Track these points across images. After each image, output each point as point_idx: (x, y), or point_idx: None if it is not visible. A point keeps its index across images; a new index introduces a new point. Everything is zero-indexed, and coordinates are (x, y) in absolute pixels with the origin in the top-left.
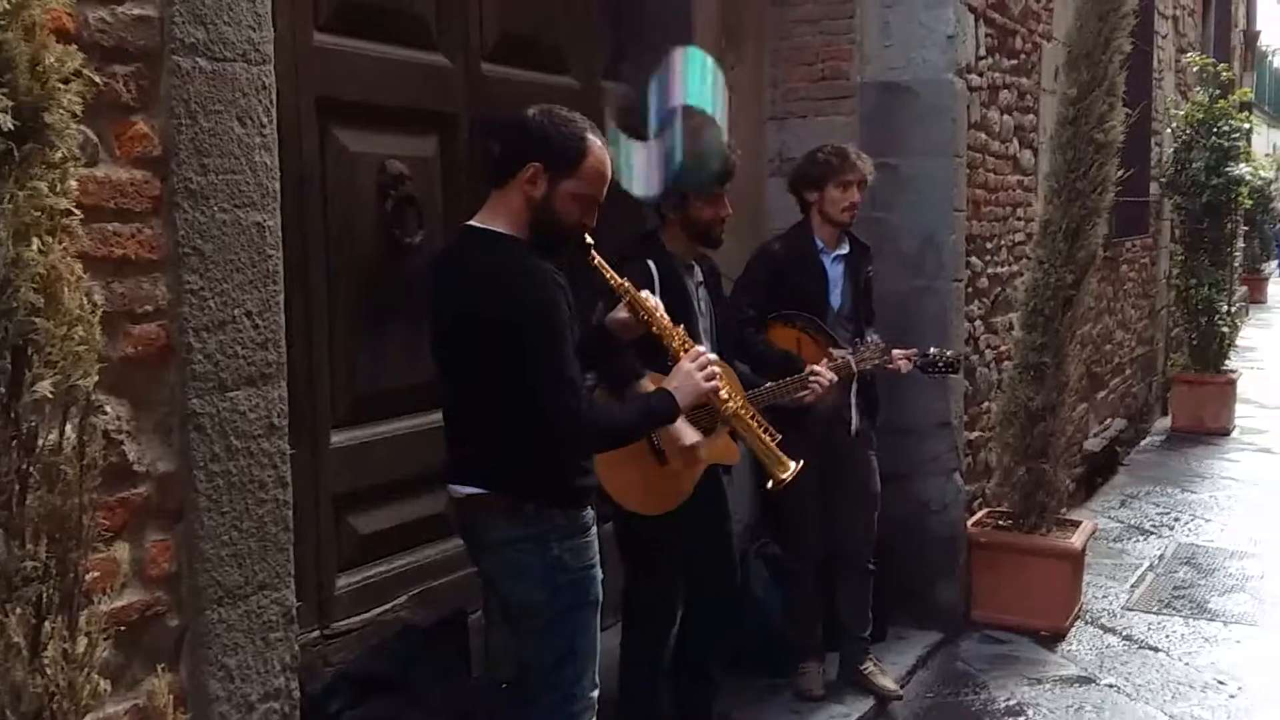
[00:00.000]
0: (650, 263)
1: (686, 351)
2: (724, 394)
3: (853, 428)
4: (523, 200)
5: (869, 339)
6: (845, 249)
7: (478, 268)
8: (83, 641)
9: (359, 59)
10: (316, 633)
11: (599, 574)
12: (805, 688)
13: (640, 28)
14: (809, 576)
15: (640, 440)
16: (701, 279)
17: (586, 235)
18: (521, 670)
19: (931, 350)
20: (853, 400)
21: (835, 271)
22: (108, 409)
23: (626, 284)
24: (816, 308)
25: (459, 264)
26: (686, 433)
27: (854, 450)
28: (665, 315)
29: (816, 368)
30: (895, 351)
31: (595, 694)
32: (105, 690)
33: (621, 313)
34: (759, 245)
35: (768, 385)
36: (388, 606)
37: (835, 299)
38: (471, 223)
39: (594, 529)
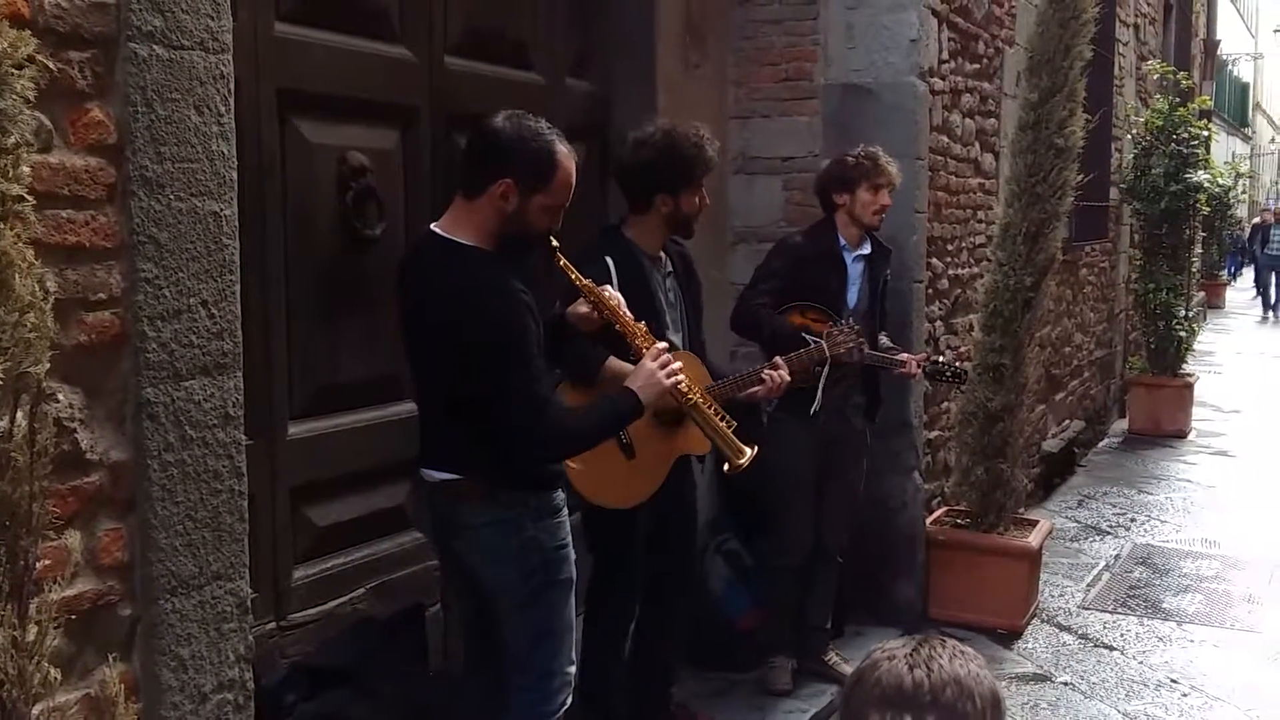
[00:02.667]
0: (609, 260)
1: (649, 349)
2: (684, 387)
3: (855, 425)
4: (494, 213)
5: (845, 325)
6: (866, 249)
7: (448, 283)
8: (33, 630)
9: (321, 50)
10: (272, 624)
11: (572, 554)
12: (774, 682)
13: (605, 25)
14: (791, 573)
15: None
16: (671, 269)
17: (552, 239)
18: (484, 653)
19: (940, 359)
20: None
21: (855, 270)
22: (60, 396)
23: (590, 283)
24: (833, 303)
25: (428, 275)
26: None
27: (853, 447)
28: (628, 312)
29: (780, 360)
30: (904, 355)
31: (572, 670)
32: (56, 679)
33: (582, 307)
34: (780, 238)
35: (725, 379)
36: (345, 599)
37: (852, 296)
38: (436, 229)
39: (565, 510)
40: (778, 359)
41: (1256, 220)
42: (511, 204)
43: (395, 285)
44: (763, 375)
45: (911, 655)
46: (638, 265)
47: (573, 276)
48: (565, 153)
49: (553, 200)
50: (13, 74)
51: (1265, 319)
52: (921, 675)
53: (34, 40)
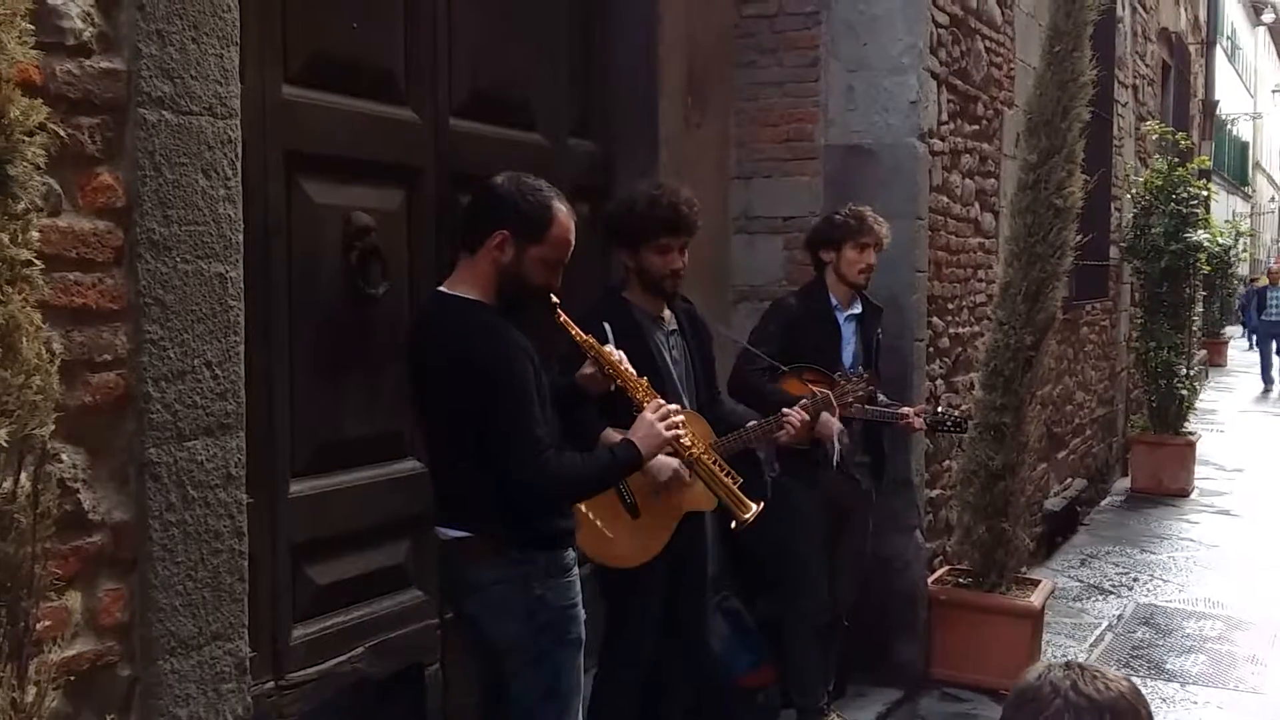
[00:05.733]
0: (606, 324)
1: (649, 402)
2: (686, 440)
3: (861, 484)
4: (491, 265)
5: (854, 376)
6: (858, 309)
7: (448, 335)
8: (32, 691)
9: (328, 112)
10: (271, 684)
11: (581, 614)
12: None
13: (608, 86)
14: (814, 635)
15: (609, 490)
16: (676, 328)
17: (552, 295)
18: (494, 712)
19: (941, 408)
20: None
21: (848, 330)
22: (64, 457)
23: (591, 340)
24: (828, 364)
25: (432, 330)
26: (664, 465)
27: (859, 506)
28: (630, 368)
29: (788, 410)
30: (905, 409)
31: None
32: None
33: (588, 369)
34: (774, 300)
35: (742, 428)
36: (344, 658)
37: (847, 356)
38: (442, 289)
39: (575, 570)
40: (786, 409)
41: (1258, 279)
42: (508, 255)
43: (406, 345)
44: (784, 421)
45: (1088, 675)
46: (637, 326)
47: (573, 333)
48: (563, 210)
49: (550, 254)
50: (24, 141)
51: (1266, 393)
52: (1103, 687)
53: (45, 109)
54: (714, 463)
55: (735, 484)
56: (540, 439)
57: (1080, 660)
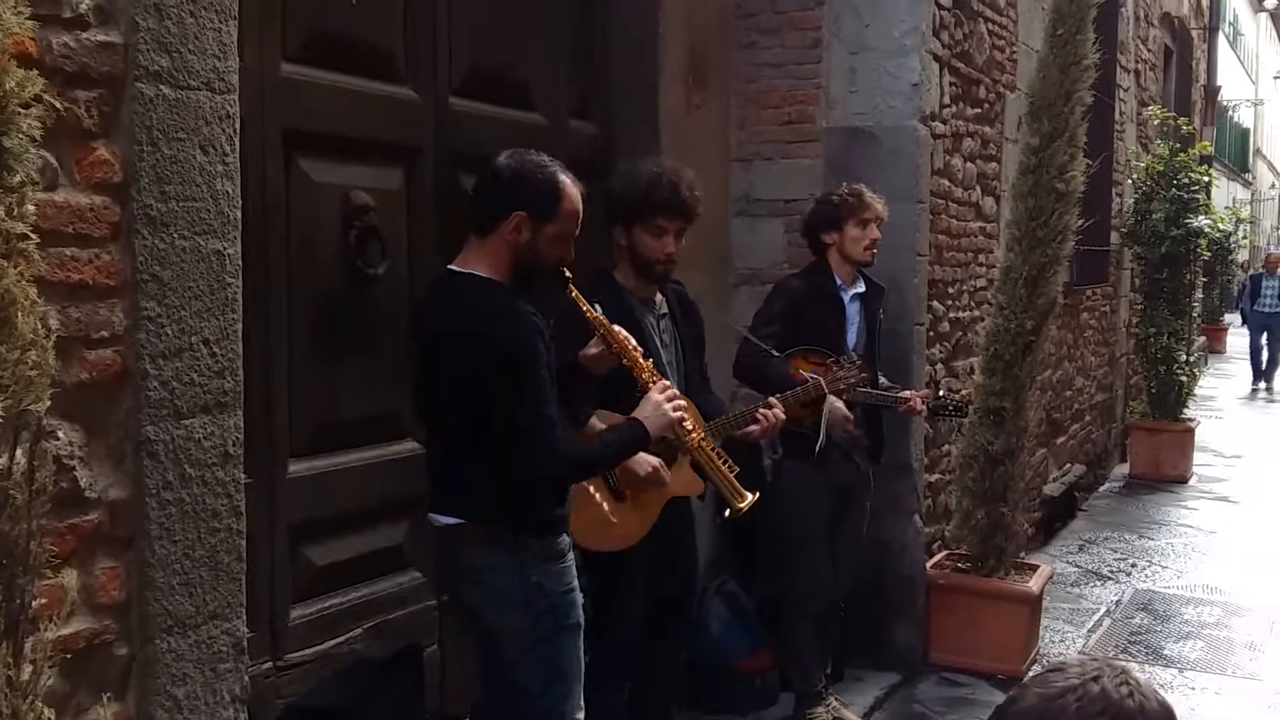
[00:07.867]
0: (596, 304)
1: (655, 383)
2: (689, 424)
3: (860, 467)
4: (507, 247)
5: (847, 362)
6: (861, 287)
7: (463, 311)
8: (28, 669)
9: (327, 90)
10: (269, 664)
11: (579, 598)
12: None
13: (608, 67)
14: (812, 619)
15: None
16: (666, 311)
17: (565, 269)
18: (495, 697)
19: (942, 393)
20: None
21: (852, 310)
22: (60, 434)
23: (601, 316)
24: (833, 344)
25: (445, 307)
26: (644, 461)
27: (860, 491)
28: (636, 347)
29: (771, 399)
30: (906, 392)
31: (581, 715)
32: (50, 719)
33: (593, 348)
34: (777, 281)
35: (723, 417)
36: (342, 639)
37: (851, 337)
38: (453, 267)
39: (571, 554)
40: (772, 398)
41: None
42: (524, 236)
43: (411, 322)
44: (758, 414)
45: (1122, 678)
46: (627, 308)
47: (583, 308)
48: (569, 182)
49: (562, 229)
50: (19, 113)
51: (1255, 391)
52: (1139, 702)
53: (41, 80)
54: (712, 450)
55: (733, 472)
56: (552, 419)
57: (1096, 655)
